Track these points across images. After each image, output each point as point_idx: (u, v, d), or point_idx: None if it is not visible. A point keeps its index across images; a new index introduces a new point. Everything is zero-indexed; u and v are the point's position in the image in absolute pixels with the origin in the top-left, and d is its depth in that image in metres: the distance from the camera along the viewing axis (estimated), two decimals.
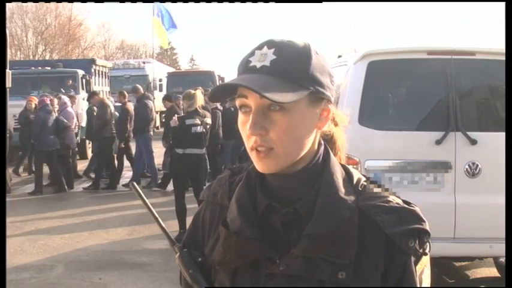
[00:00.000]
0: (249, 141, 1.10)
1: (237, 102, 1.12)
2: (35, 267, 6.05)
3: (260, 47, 1.11)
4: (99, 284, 5.54)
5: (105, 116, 10.65)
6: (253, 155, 1.11)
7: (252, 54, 1.11)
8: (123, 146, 10.87)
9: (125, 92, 11.30)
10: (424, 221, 1.11)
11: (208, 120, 7.12)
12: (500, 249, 4.19)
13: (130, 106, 10.99)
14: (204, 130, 6.98)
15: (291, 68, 1.08)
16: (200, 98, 7.02)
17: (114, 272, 5.85)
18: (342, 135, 1.24)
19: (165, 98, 10.92)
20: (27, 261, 6.22)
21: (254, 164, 1.13)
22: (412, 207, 1.12)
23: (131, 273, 5.82)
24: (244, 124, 1.11)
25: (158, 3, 13.20)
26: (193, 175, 7.00)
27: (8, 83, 2.97)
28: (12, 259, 5.95)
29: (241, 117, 1.12)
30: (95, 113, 11.31)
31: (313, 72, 1.10)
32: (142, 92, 11.45)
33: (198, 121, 6.90)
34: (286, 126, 1.08)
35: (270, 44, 1.11)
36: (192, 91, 7.28)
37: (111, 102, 11.55)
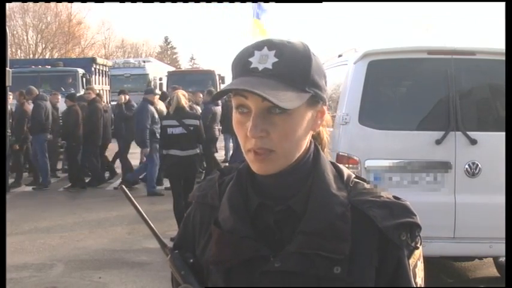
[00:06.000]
0: (247, 143, 1.10)
1: (234, 102, 1.11)
2: (35, 265, 6.06)
3: (259, 48, 1.10)
4: (99, 282, 5.54)
5: None
6: (250, 156, 1.11)
7: (251, 54, 1.10)
8: (17, 147, 10.69)
9: (24, 91, 11.04)
10: (415, 215, 1.12)
11: (191, 122, 6.92)
12: (500, 249, 4.19)
13: (29, 107, 10.80)
14: (185, 131, 6.81)
15: (294, 72, 1.08)
16: (180, 99, 6.92)
17: (114, 271, 5.85)
18: (326, 132, 1.26)
19: (68, 97, 10.76)
20: (27, 260, 6.22)
21: (250, 165, 1.12)
22: (402, 202, 1.13)
23: (131, 272, 5.82)
24: (241, 125, 1.10)
25: (254, 4, 13.14)
26: (181, 176, 6.90)
27: (9, 82, 2.98)
28: (12, 258, 5.94)
29: (237, 117, 1.11)
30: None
31: (313, 75, 1.10)
32: (37, 92, 11.21)
33: (175, 122, 6.82)
34: (287, 130, 1.08)
35: (269, 44, 1.10)
36: (174, 92, 7.30)
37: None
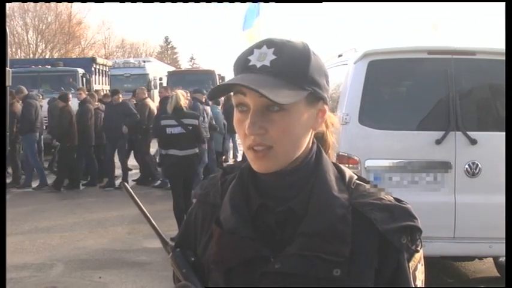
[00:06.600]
0: (246, 141, 1.10)
1: (234, 100, 1.11)
2: (35, 265, 6.06)
3: (259, 46, 1.11)
4: (99, 282, 5.54)
5: None
6: (250, 155, 1.11)
7: (250, 52, 1.11)
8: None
9: (13, 91, 10.93)
10: (416, 218, 1.12)
11: (190, 121, 6.89)
12: (500, 249, 4.19)
13: (18, 106, 10.76)
14: (184, 131, 6.80)
15: (291, 69, 1.08)
16: (179, 99, 6.90)
17: (114, 271, 5.85)
18: (332, 135, 1.25)
19: (60, 98, 10.79)
20: (27, 260, 6.22)
21: (251, 163, 1.13)
22: (404, 205, 1.13)
23: (131, 272, 5.82)
24: (241, 123, 1.11)
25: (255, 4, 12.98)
26: (181, 176, 6.89)
27: (8, 82, 2.97)
28: (12, 258, 5.94)
29: (237, 115, 1.11)
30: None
31: (312, 73, 1.10)
32: (27, 92, 11.21)
33: (174, 122, 6.80)
34: (285, 127, 1.08)
35: (269, 43, 1.10)
36: (173, 92, 7.32)
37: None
